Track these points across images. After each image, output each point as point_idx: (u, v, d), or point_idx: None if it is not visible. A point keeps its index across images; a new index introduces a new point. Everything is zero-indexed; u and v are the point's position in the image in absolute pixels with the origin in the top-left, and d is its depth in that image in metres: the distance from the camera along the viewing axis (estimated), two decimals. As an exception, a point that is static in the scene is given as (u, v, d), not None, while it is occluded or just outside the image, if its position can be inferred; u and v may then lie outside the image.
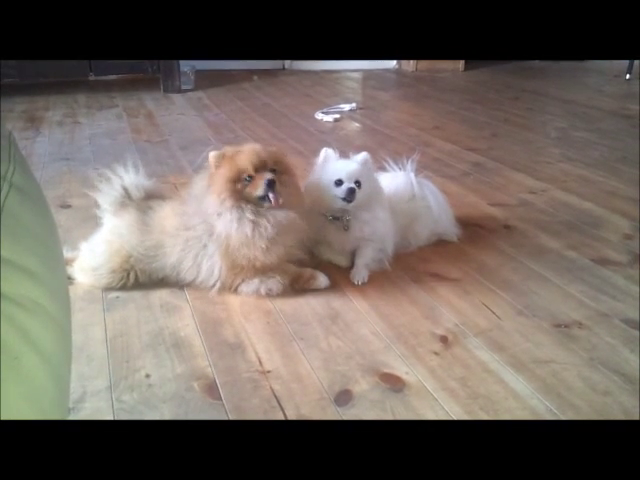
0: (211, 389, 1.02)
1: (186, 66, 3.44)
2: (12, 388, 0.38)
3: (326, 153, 1.45)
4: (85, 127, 2.65)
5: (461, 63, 4.42)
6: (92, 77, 3.39)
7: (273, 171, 1.27)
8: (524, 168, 2.22)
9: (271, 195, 1.25)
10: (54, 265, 0.56)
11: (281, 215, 1.27)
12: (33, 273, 0.49)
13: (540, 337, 1.18)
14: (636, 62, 4.10)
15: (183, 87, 3.43)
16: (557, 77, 4.31)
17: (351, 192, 1.36)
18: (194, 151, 2.30)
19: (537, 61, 4.90)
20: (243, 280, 1.30)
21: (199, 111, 3.03)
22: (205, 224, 1.29)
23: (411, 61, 4.42)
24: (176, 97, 3.33)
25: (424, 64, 4.39)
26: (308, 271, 1.35)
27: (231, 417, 0.96)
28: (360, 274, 1.39)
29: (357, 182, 1.38)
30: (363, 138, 2.68)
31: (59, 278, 0.56)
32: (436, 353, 1.13)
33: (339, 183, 1.37)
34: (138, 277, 1.31)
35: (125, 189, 1.36)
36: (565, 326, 1.22)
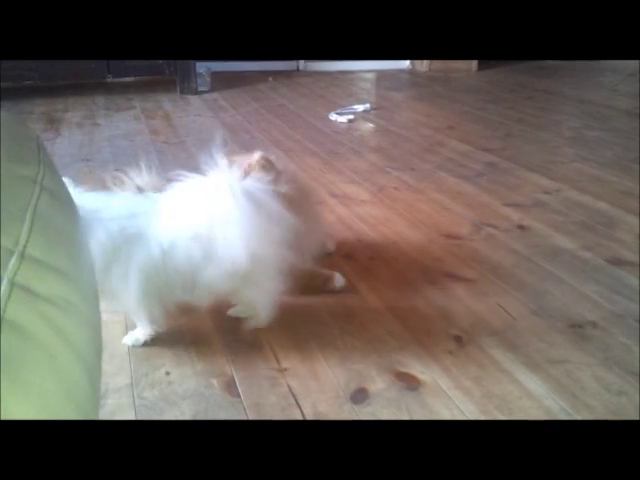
0: (230, 386, 1.05)
1: (202, 68, 3.47)
2: (50, 385, 0.39)
3: None
4: (104, 128, 2.69)
5: (474, 63, 4.40)
6: (110, 79, 3.43)
7: None
8: (538, 168, 2.22)
9: None
10: (84, 265, 0.59)
11: None
12: (65, 273, 0.51)
13: (554, 337, 1.19)
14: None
15: (199, 89, 3.46)
16: (571, 76, 4.29)
17: None
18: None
19: (550, 60, 4.87)
20: None
21: (215, 112, 3.06)
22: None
23: (424, 61, 4.41)
24: (192, 98, 3.36)
25: (437, 64, 4.38)
26: (326, 272, 1.36)
27: (249, 414, 0.98)
28: (259, 319, 1.18)
29: None
30: (377, 139, 2.70)
31: (88, 278, 0.59)
32: (451, 352, 1.14)
33: None
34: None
35: (138, 188, 1.38)
36: (579, 326, 1.22)
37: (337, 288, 1.35)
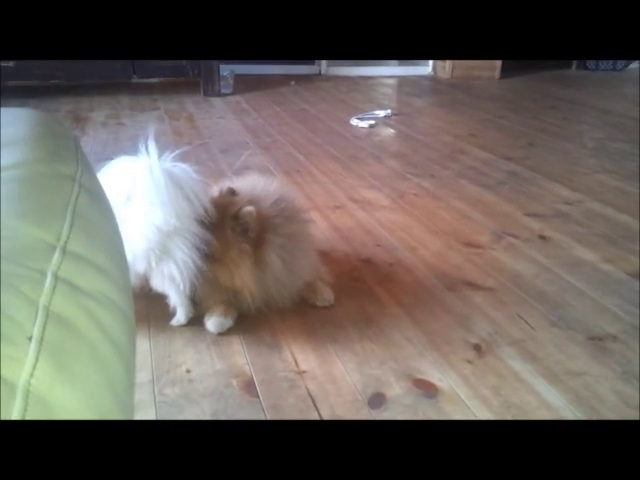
0: (249, 386, 1.06)
1: (226, 70, 3.51)
2: (94, 376, 0.41)
3: None
4: (128, 128, 2.73)
5: (497, 71, 4.39)
6: (135, 79, 3.48)
7: None
8: (560, 178, 2.21)
9: None
10: (120, 262, 0.60)
11: None
12: (103, 269, 0.53)
13: (574, 349, 1.19)
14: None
15: (223, 91, 3.49)
16: (594, 86, 4.26)
17: None
18: (234, 154, 2.36)
19: (574, 70, 4.84)
20: None
21: (238, 115, 3.09)
22: None
23: (446, 68, 4.41)
24: (216, 101, 3.40)
25: (459, 71, 4.38)
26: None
27: (268, 414, 0.99)
28: (179, 316, 1.25)
29: None
30: (398, 145, 2.70)
31: (124, 274, 0.60)
32: (469, 361, 1.14)
33: None
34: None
35: None
36: (599, 339, 1.22)
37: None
